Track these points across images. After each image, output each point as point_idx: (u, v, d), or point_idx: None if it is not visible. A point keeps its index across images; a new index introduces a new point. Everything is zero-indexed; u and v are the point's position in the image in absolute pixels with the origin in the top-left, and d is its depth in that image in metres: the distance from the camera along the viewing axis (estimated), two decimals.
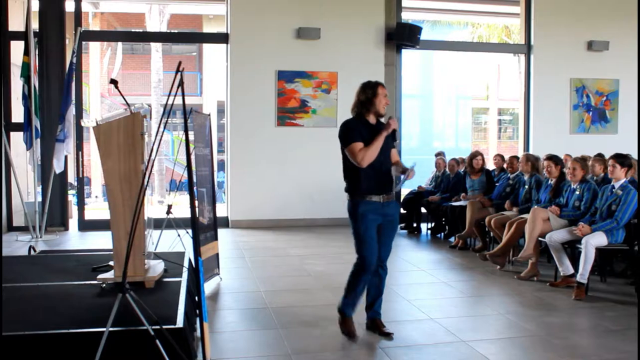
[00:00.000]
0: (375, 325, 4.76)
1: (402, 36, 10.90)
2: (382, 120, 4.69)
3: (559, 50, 11.88)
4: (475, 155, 9.03)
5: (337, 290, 6.06)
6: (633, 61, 12.12)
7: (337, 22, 10.78)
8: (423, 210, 10.12)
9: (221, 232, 7.98)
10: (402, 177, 4.71)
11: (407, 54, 11.59)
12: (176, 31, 20.22)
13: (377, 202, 4.56)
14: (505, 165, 8.86)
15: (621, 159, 6.21)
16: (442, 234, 9.66)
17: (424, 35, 11.34)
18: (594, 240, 5.90)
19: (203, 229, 6.02)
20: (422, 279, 6.82)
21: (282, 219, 10.59)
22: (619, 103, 12.20)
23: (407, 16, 12.61)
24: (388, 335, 4.67)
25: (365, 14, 10.94)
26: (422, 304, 5.65)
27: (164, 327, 3.65)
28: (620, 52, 12.06)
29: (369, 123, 4.62)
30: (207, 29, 21.08)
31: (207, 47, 21.22)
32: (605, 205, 6.15)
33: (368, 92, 4.60)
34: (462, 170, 9.72)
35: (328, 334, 4.74)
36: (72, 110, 9.34)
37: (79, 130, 10.11)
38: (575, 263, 6.15)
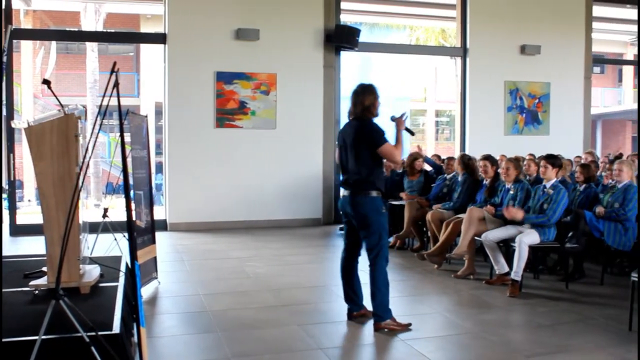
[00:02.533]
0: (364, 314, 5.11)
1: (340, 38, 10.98)
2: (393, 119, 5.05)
3: (493, 53, 12.19)
4: (416, 157, 9.16)
5: (277, 291, 6.10)
6: (563, 65, 12.57)
7: (276, 23, 10.78)
8: None
9: (159, 236, 7.86)
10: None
11: (346, 56, 11.68)
12: (112, 31, 19.82)
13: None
14: (443, 166, 9.03)
15: (552, 160, 6.43)
16: None
17: (363, 38, 11.45)
18: (527, 239, 6.07)
19: (140, 233, 5.93)
20: (361, 279, 6.86)
21: (221, 221, 10.51)
22: (550, 105, 12.59)
23: (345, 18, 12.70)
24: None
25: (304, 15, 10.97)
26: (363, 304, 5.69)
27: (100, 333, 3.57)
28: (551, 56, 12.46)
29: None
30: (145, 28, 20.75)
31: (145, 48, 20.91)
32: (538, 204, 6.33)
33: (371, 97, 4.86)
34: (399, 170, 9.85)
35: (268, 336, 4.73)
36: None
37: (10, 131, 9.80)
38: (509, 261, 6.31)
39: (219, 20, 10.53)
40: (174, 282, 6.56)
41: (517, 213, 6.19)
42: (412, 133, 5.08)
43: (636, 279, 4.88)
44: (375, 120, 4.89)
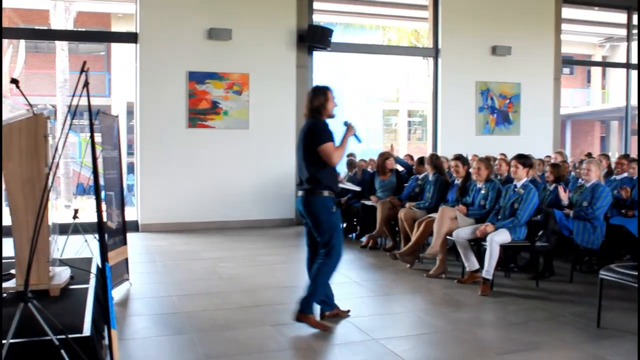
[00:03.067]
0: (336, 314, 5.17)
1: (313, 38, 10.98)
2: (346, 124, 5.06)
3: (465, 54, 12.29)
4: (387, 156, 9.20)
5: (250, 292, 6.09)
6: (533, 66, 12.73)
7: (249, 23, 10.74)
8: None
9: (131, 237, 7.79)
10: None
11: (319, 56, 11.68)
12: (83, 29, 19.60)
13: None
14: (414, 166, 9.09)
15: (523, 160, 6.51)
16: (354, 234, 9.78)
17: (336, 38, 11.47)
18: (498, 238, 6.13)
19: (111, 234, 5.87)
20: (334, 279, 6.87)
21: (194, 221, 10.45)
22: (521, 106, 12.74)
23: (318, 18, 12.71)
24: (348, 312, 5.23)
25: (277, 15, 10.95)
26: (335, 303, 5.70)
27: (70, 336, 3.53)
28: (521, 57, 12.61)
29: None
30: (116, 27, 20.55)
31: (116, 47, 20.69)
32: (509, 203, 6.40)
33: (321, 98, 4.89)
34: (371, 170, 9.91)
35: (241, 337, 4.72)
36: None
37: None
38: (481, 260, 6.37)
39: (191, 19, 10.46)
40: (146, 284, 6.51)
41: (488, 228, 6.25)
42: (359, 140, 5.14)
43: (604, 277, 4.96)
44: (330, 121, 4.96)
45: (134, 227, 10.12)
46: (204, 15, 10.52)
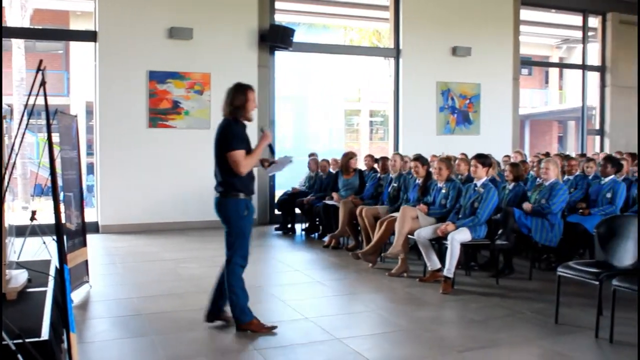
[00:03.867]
0: (226, 317, 4.98)
1: (275, 38, 10.96)
2: (262, 130, 4.89)
3: (425, 54, 12.41)
4: (351, 156, 9.26)
5: None
6: (493, 66, 12.91)
7: (210, 22, 10.68)
8: (297, 210, 10.22)
9: (91, 238, 7.68)
10: (275, 165, 4.98)
11: (281, 56, 11.67)
12: (40, 27, 19.22)
13: (252, 201, 4.81)
14: (376, 166, 9.14)
15: (482, 159, 6.60)
16: (316, 234, 9.80)
17: (298, 38, 11.46)
18: (459, 236, 6.21)
19: (70, 235, 5.78)
20: (296, 279, 6.89)
21: (156, 222, 10.34)
22: (481, 106, 12.90)
23: (280, 18, 12.68)
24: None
25: (239, 15, 10.90)
26: (297, 304, 5.71)
27: (27, 340, 3.46)
28: (481, 57, 12.78)
29: (244, 127, 4.74)
30: (74, 26, 20.19)
31: (75, 45, 20.34)
32: (469, 202, 6.48)
33: (241, 98, 4.66)
34: (334, 170, 9.94)
35: (203, 338, 4.69)
36: None
37: None
38: (442, 259, 6.44)
39: (151, 18, 10.35)
40: (106, 286, 6.42)
41: (449, 227, 6.32)
42: (272, 151, 5.05)
43: (562, 274, 5.06)
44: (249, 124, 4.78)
45: (94, 228, 9.97)
46: (164, 14, 10.41)
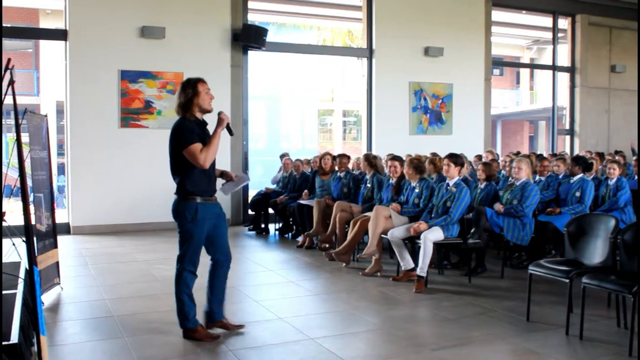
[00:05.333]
0: (225, 325, 4.82)
1: (248, 37, 10.93)
2: (218, 115, 4.61)
3: (398, 55, 12.47)
4: (323, 155, 9.28)
5: None
6: (465, 67, 13.02)
7: (183, 21, 10.61)
8: (271, 211, 10.21)
9: (62, 239, 7.60)
10: (232, 183, 4.79)
11: (254, 56, 11.64)
12: (9, 25, 18.93)
13: (212, 204, 4.61)
14: (350, 166, 9.17)
15: (455, 159, 6.65)
16: (290, 234, 9.80)
17: (271, 37, 11.45)
18: (432, 235, 6.25)
19: (41, 237, 5.70)
20: (270, 279, 6.88)
21: (128, 223, 10.25)
22: (453, 106, 13.00)
23: (253, 17, 12.66)
24: (241, 327, 4.85)
25: (211, 14, 10.85)
26: (271, 304, 5.70)
27: None
28: (453, 58, 12.88)
29: (199, 121, 4.55)
30: (44, 24, 19.93)
31: (45, 44, 20.07)
32: (441, 201, 6.53)
33: (188, 92, 4.51)
34: (308, 170, 9.96)
35: (176, 340, 4.66)
36: None
37: None
38: (415, 258, 6.48)
39: (123, 17, 10.25)
40: (77, 288, 6.35)
41: (421, 226, 6.36)
42: (231, 132, 4.74)
43: (533, 272, 5.12)
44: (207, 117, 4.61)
45: (65, 229, 9.86)
46: (136, 12, 10.33)
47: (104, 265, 7.53)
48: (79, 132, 10.07)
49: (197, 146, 4.38)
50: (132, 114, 10.31)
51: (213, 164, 4.61)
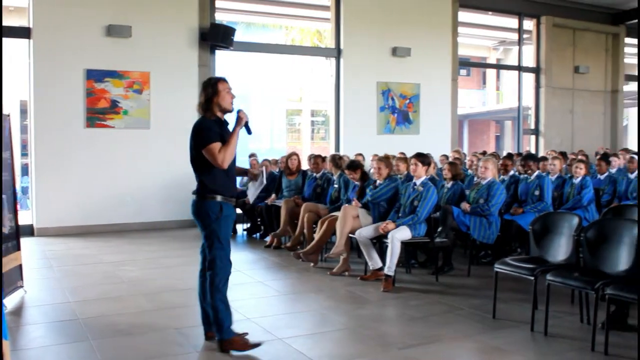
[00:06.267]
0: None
1: (216, 37, 10.86)
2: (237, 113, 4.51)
3: (366, 55, 12.52)
4: (290, 155, 9.28)
5: (152, 295, 5.97)
6: (432, 67, 13.13)
7: (149, 20, 10.50)
8: (239, 211, 10.15)
9: (25, 242, 7.47)
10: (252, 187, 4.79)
11: (222, 55, 11.58)
12: None
13: (231, 204, 4.50)
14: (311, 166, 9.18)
15: (422, 158, 6.71)
16: (258, 234, 9.77)
17: (239, 37, 11.40)
18: (399, 235, 6.28)
19: (3, 239, 5.60)
20: (238, 280, 6.83)
21: (94, 224, 10.11)
22: (420, 106, 13.09)
23: (221, 17, 12.59)
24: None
25: (179, 13, 10.76)
26: (239, 304, 5.66)
27: None
28: (420, 58, 12.97)
29: (219, 120, 4.46)
30: (7, 21, 19.54)
31: (7, 42, 19.72)
32: (409, 201, 6.57)
33: (208, 91, 4.43)
34: (276, 170, 9.94)
35: (143, 342, 4.62)
36: None
37: None
38: (383, 257, 6.51)
39: (88, 15, 10.10)
40: (41, 290, 6.24)
41: (389, 225, 6.39)
42: (249, 131, 4.60)
43: (499, 270, 5.18)
44: (228, 116, 4.52)
45: (29, 231, 9.70)
46: (102, 11, 10.19)
47: (68, 268, 7.42)
48: (44, 132, 9.91)
49: (216, 145, 4.30)
50: (98, 114, 10.17)
51: (233, 163, 4.52)
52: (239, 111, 4.49)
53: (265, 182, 4.89)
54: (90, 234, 9.85)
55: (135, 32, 10.34)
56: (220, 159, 4.28)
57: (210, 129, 4.35)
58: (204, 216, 4.39)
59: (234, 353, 4.35)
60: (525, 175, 7.78)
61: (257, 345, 4.44)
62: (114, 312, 5.43)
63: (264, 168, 4.83)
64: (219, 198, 4.38)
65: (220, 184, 4.42)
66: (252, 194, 4.87)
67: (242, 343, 4.43)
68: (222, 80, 4.50)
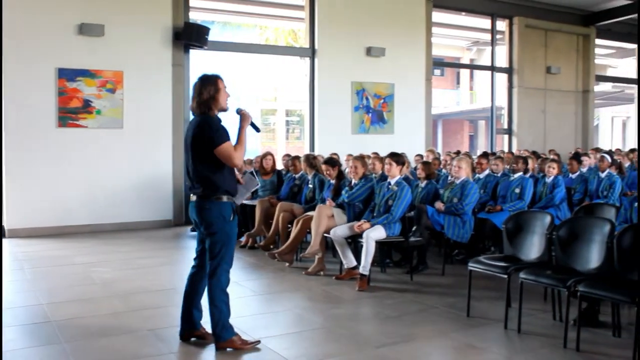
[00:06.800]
0: (203, 334, 4.62)
1: (190, 36, 10.79)
2: (238, 112, 4.49)
3: (341, 54, 12.54)
4: (265, 155, 9.26)
5: (126, 297, 5.92)
6: (406, 67, 13.20)
7: (122, 19, 10.40)
8: None
9: None
10: (242, 189, 4.66)
11: (196, 54, 11.51)
12: None
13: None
14: (288, 166, 9.18)
15: (396, 158, 6.74)
16: None
17: (213, 36, 11.35)
18: (374, 234, 6.31)
19: None
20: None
21: (66, 225, 9.99)
22: (395, 105, 13.15)
23: (195, 16, 12.53)
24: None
25: (152, 12, 10.67)
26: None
27: None
28: (395, 58, 13.03)
29: (220, 119, 4.38)
30: None
31: None
32: (383, 200, 6.60)
33: (210, 89, 4.29)
34: (250, 170, 9.90)
35: (117, 344, 4.57)
36: None
37: None
38: (358, 256, 6.53)
39: (60, 13, 9.97)
40: (13, 292, 6.15)
41: (364, 225, 6.41)
42: (257, 129, 4.58)
43: (473, 268, 5.23)
44: (223, 115, 4.43)
45: None
46: (74, 9, 10.06)
47: (40, 269, 7.33)
48: (14, 132, 9.75)
49: (230, 144, 4.24)
50: (70, 114, 10.05)
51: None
52: (240, 110, 4.45)
53: (259, 183, 4.84)
54: (63, 235, 9.73)
55: (108, 30, 10.23)
56: (236, 157, 4.24)
57: (221, 128, 4.28)
58: (216, 218, 4.29)
59: (228, 350, 4.39)
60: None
61: (256, 342, 4.51)
62: (87, 314, 5.37)
63: (252, 169, 4.77)
64: (226, 198, 4.33)
65: (230, 184, 4.37)
66: (242, 196, 4.80)
67: (242, 342, 4.45)
68: (220, 77, 4.40)
